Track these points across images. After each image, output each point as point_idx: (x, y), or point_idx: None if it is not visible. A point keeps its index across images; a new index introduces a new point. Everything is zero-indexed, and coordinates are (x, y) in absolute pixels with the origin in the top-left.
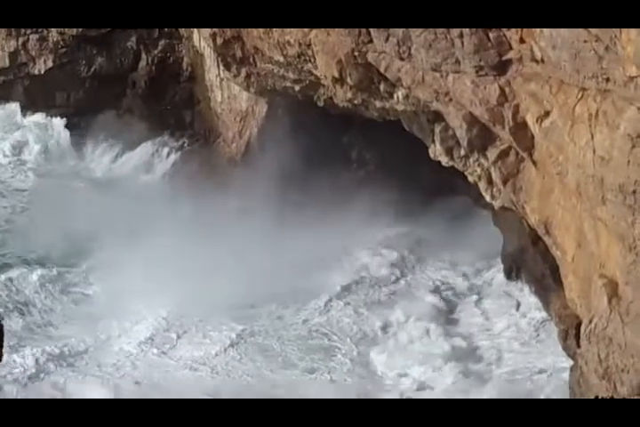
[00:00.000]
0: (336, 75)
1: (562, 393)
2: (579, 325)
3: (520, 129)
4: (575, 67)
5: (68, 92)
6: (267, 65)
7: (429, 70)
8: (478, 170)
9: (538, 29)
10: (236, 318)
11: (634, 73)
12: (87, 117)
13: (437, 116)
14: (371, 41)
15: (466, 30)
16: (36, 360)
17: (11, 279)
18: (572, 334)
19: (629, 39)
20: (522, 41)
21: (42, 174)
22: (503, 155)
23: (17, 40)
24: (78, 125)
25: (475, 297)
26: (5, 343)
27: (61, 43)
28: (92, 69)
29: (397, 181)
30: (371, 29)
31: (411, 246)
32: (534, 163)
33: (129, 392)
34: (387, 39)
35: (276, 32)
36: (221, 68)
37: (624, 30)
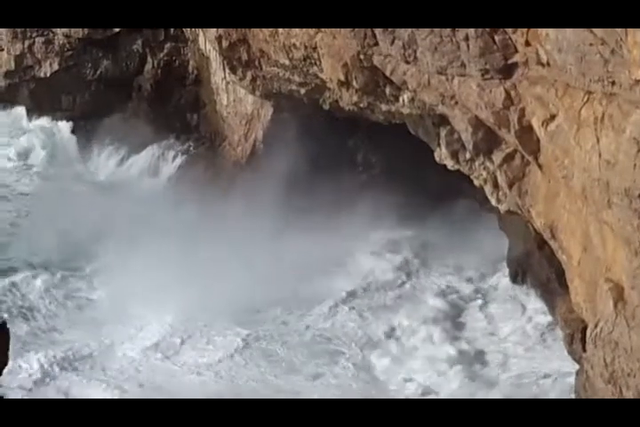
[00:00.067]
0: (342, 78)
1: (567, 398)
2: (584, 329)
3: (526, 132)
4: (581, 70)
5: (74, 95)
6: (272, 68)
7: (435, 73)
8: (484, 173)
9: (544, 32)
10: (241, 323)
11: (639, 76)
12: (93, 121)
13: (443, 120)
14: (376, 44)
15: (471, 33)
16: (41, 365)
17: (15, 284)
18: (577, 338)
19: (635, 42)
20: (527, 44)
21: (47, 178)
22: (509, 158)
23: (23, 43)
24: (84, 129)
25: (480, 301)
26: (11, 348)
27: (67, 46)
28: (98, 72)
29: (403, 184)
30: (376, 32)
31: (416, 250)
32: (540, 166)
33: (133, 397)
34: (392, 42)
35: (281, 35)
36: (227, 71)
37: (630, 33)
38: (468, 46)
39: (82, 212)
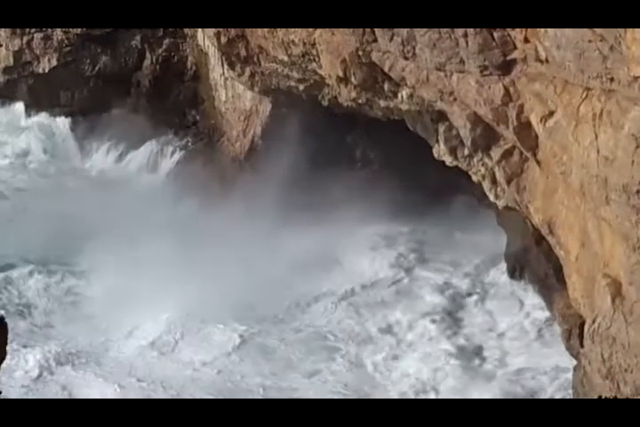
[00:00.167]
0: (340, 74)
1: (565, 393)
2: (582, 324)
3: (524, 129)
4: (579, 67)
5: (73, 91)
6: (271, 64)
7: (433, 70)
8: (482, 169)
9: (542, 29)
10: (238, 319)
11: (638, 73)
12: (91, 117)
13: (441, 116)
14: (375, 40)
15: (470, 30)
16: (38, 362)
17: (11, 280)
18: (575, 333)
19: (634, 39)
20: (526, 41)
21: (45, 174)
22: (507, 154)
23: (21, 39)
24: (82, 124)
25: (478, 297)
26: (8, 344)
27: (66, 41)
28: (97, 68)
29: (401, 180)
30: (375, 29)
31: (414, 246)
32: (538, 163)
33: (130, 394)
34: (391, 39)
35: (280, 31)
36: (226, 67)
37: (629, 30)
38: (466, 43)
39: (79, 207)
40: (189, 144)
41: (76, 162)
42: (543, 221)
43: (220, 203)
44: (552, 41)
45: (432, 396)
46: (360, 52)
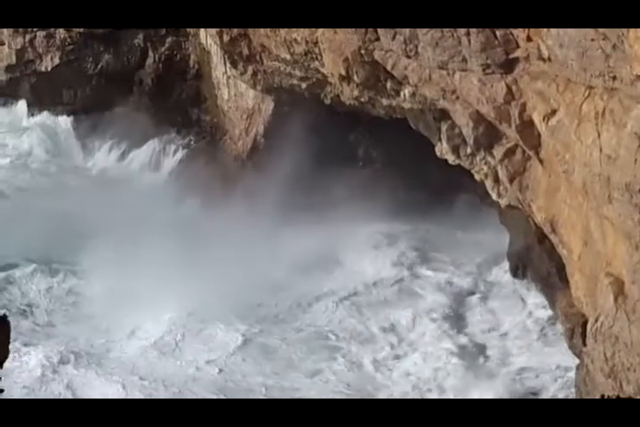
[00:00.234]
0: (343, 73)
1: (568, 392)
2: (585, 323)
3: (527, 127)
4: (582, 65)
5: (75, 89)
6: (273, 63)
7: (436, 68)
8: (485, 168)
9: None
10: (240, 319)
11: None
12: (94, 115)
13: (444, 115)
14: (377, 39)
15: (473, 28)
16: (41, 361)
17: (14, 279)
18: (577, 332)
19: (637, 37)
20: (529, 39)
21: (46, 173)
22: (510, 153)
23: (24, 37)
24: (85, 123)
25: (480, 296)
26: (11, 343)
27: (68, 40)
28: (99, 67)
29: (403, 179)
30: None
31: (417, 245)
32: (541, 161)
33: (133, 394)
34: (393, 37)
35: (282, 30)
36: (228, 65)
37: (631, 29)
38: (469, 41)
39: (81, 206)
40: (192, 143)
41: (78, 161)
42: (546, 220)
43: (222, 202)
44: (554, 39)
45: (434, 395)
46: (362, 51)
